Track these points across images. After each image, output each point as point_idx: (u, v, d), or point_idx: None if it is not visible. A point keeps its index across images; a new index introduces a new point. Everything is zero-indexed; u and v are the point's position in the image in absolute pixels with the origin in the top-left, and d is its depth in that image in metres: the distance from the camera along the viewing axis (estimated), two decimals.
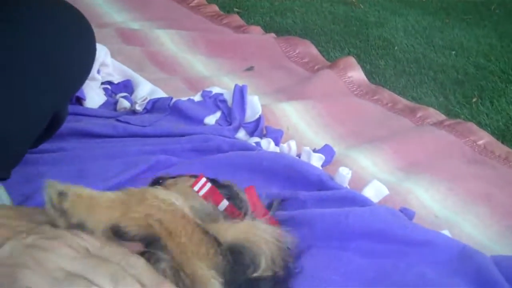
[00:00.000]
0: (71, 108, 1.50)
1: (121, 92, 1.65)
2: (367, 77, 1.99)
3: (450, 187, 1.37)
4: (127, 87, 1.67)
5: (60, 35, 0.92)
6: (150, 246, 0.60)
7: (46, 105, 0.93)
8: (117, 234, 0.60)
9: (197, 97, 1.59)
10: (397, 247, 1.05)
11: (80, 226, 0.59)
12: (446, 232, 1.16)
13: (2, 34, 0.86)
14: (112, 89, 1.67)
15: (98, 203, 0.61)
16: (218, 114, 1.53)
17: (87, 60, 1.01)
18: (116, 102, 1.58)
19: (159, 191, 0.64)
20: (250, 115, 1.52)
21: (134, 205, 0.61)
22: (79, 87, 1.07)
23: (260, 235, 0.70)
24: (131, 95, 1.62)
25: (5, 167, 0.97)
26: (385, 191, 1.24)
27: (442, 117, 1.76)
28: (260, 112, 1.51)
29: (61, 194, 0.59)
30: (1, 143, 0.87)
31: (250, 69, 1.97)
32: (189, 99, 1.57)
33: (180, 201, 0.64)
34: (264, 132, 1.49)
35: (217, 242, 0.62)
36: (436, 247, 1.05)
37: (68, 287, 0.53)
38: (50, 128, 1.00)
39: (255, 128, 1.47)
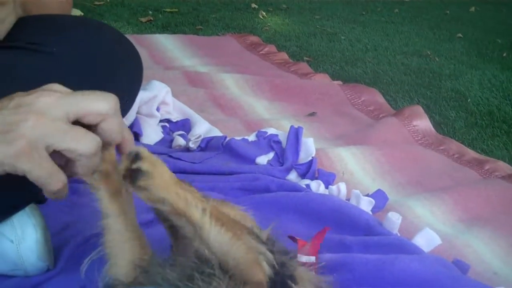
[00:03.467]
0: None
1: (178, 130, 1.65)
2: (435, 127, 1.91)
3: None
4: (185, 126, 1.68)
5: (104, 60, 0.93)
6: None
7: None
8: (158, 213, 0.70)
9: (251, 137, 1.57)
10: None
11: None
12: None
13: (45, 58, 0.87)
14: (170, 127, 1.68)
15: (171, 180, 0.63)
16: (271, 155, 1.50)
17: (132, 86, 1.01)
18: (172, 140, 1.58)
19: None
20: (304, 157, 1.48)
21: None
22: (124, 114, 1.07)
23: None
24: (188, 134, 1.62)
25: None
26: (438, 241, 1.14)
27: None
28: (313, 154, 1.46)
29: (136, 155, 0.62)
30: None
31: (312, 114, 1.94)
32: (243, 139, 1.55)
33: None
34: (317, 175, 1.44)
35: None
36: None
37: (82, 137, 0.57)
38: None
39: (307, 170, 1.43)
